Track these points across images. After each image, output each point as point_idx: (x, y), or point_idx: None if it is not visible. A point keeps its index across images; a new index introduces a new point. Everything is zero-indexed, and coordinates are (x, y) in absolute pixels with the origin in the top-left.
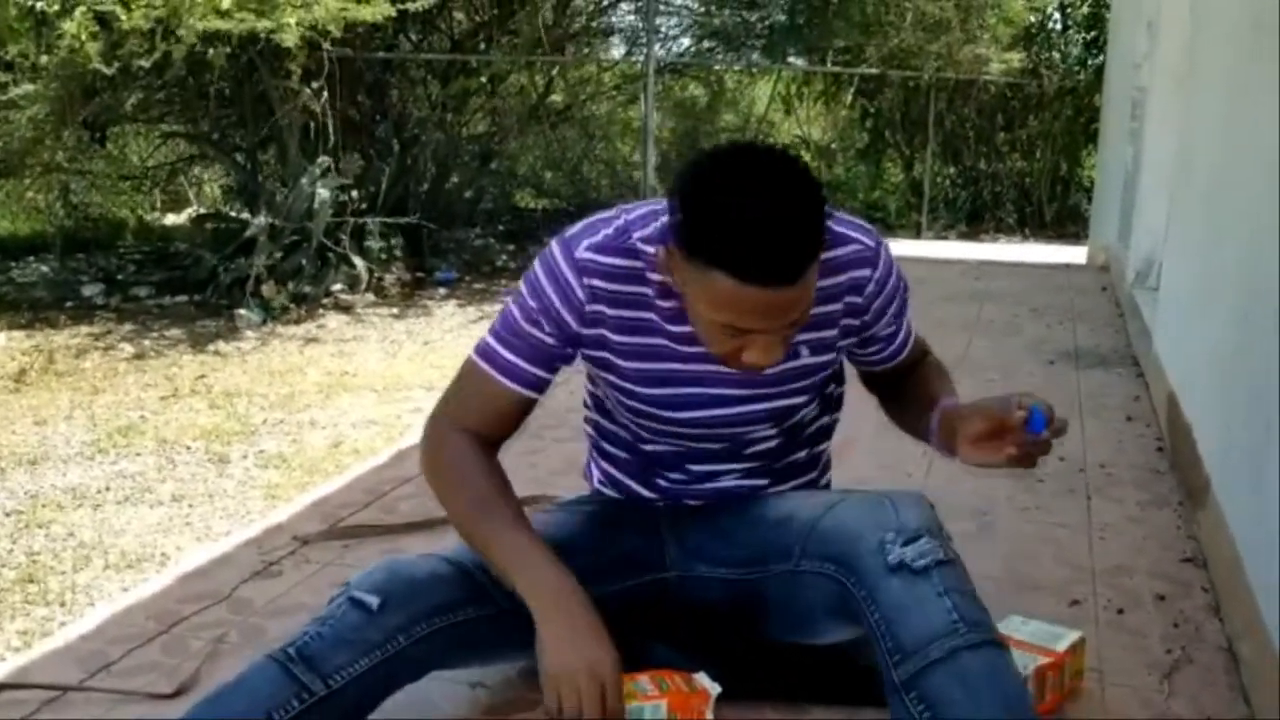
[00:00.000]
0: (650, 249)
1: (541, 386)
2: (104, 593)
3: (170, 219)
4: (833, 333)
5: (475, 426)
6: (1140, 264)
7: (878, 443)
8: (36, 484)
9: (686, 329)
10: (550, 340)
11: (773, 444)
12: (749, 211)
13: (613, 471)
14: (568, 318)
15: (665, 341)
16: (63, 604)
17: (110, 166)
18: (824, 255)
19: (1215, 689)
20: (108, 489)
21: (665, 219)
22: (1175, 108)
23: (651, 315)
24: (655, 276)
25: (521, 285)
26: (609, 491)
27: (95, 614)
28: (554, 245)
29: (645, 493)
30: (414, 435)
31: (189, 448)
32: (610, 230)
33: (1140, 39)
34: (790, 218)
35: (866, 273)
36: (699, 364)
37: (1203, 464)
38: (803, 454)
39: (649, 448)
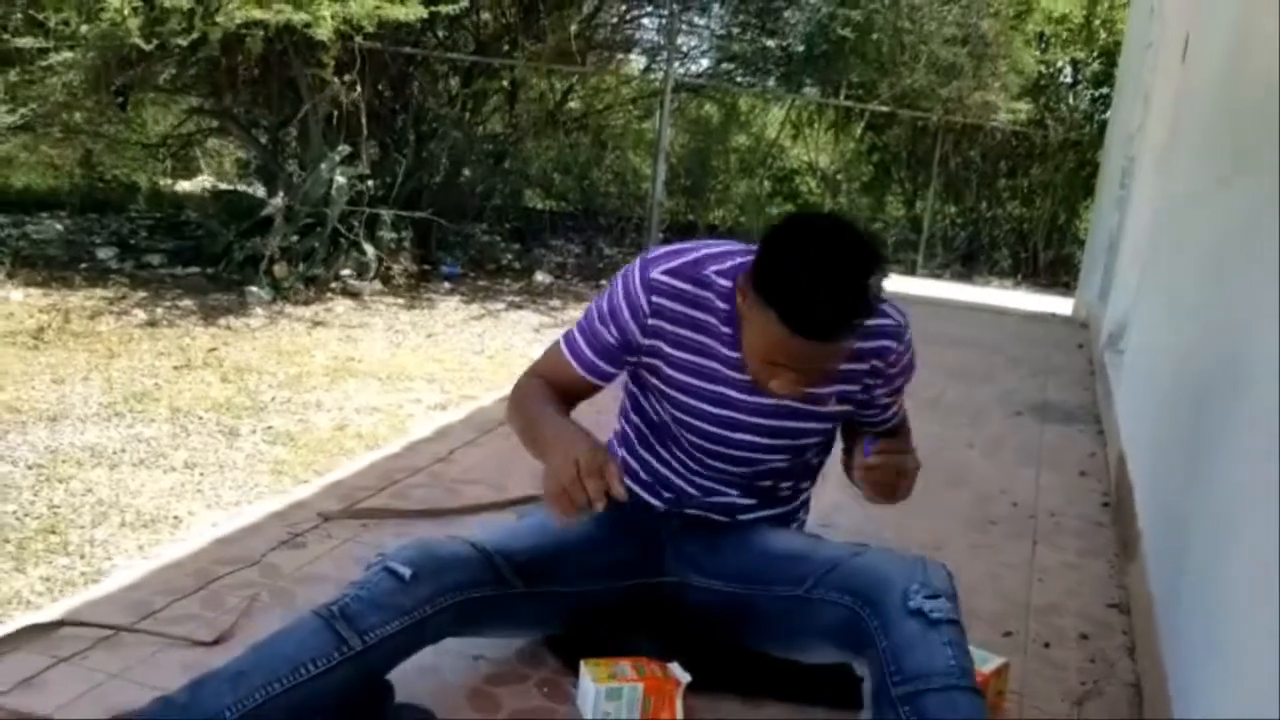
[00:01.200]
0: (723, 281)
1: (602, 375)
2: (120, 548)
3: (182, 186)
4: (857, 388)
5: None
6: (1114, 326)
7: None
8: (56, 440)
9: (739, 355)
10: (613, 341)
11: (778, 476)
12: (810, 271)
13: (639, 471)
14: (632, 326)
15: (718, 365)
16: (82, 556)
17: (129, 132)
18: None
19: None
20: (124, 451)
21: (741, 259)
22: (1152, 185)
23: (710, 340)
24: (723, 305)
25: (606, 290)
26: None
27: (138, 567)
28: (636, 262)
29: (650, 500)
30: (420, 428)
31: (201, 418)
32: (689, 259)
33: (1136, 110)
34: (843, 288)
35: (893, 344)
36: (741, 392)
37: (1137, 521)
38: (787, 487)
39: (670, 457)
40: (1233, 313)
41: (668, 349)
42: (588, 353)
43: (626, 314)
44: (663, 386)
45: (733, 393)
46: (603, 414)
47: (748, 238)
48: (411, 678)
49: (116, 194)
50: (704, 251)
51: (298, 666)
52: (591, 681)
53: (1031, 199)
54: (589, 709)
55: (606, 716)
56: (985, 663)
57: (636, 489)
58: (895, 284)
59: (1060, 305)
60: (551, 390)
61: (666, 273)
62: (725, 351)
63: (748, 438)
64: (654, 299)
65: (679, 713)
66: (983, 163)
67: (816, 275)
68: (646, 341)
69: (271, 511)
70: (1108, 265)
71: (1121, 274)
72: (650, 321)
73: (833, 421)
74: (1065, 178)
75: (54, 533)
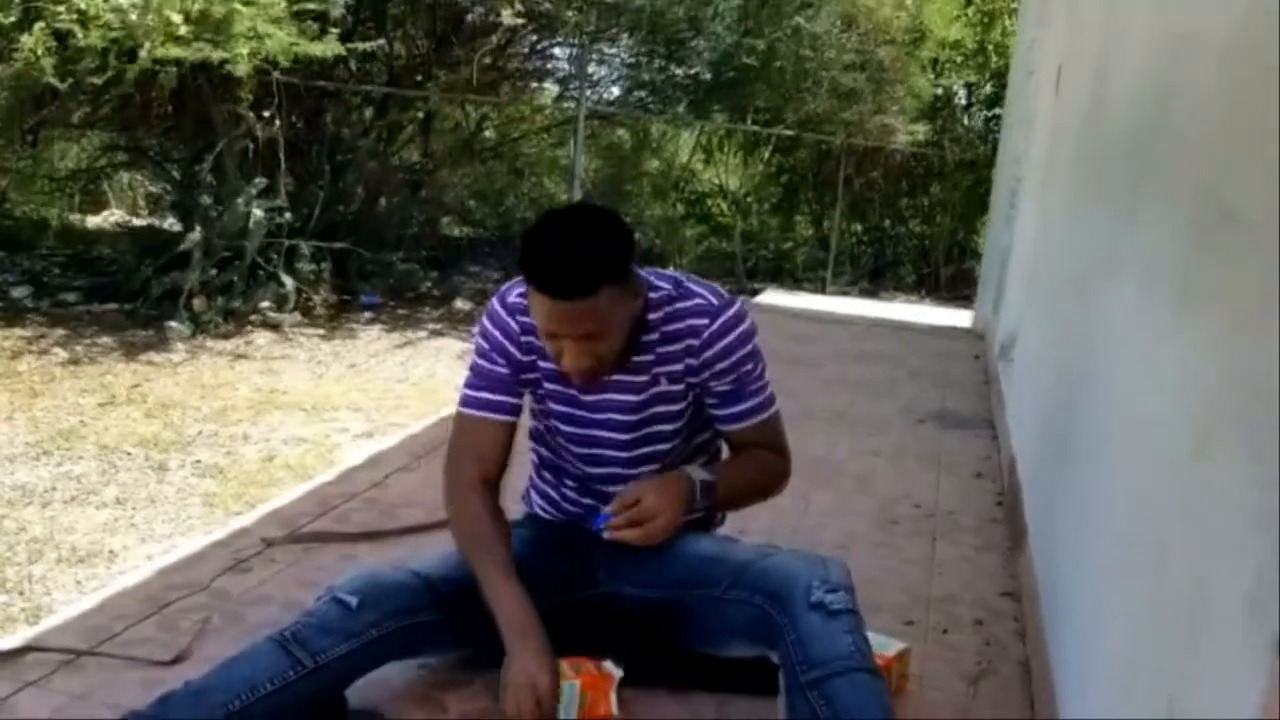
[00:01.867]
0: None
1: (513, 411)
2: (58, 584)
3: (91, 221)
4: (679, 367)
5: (475, 469)
6: (1005, 337)
7: None
8: None
9: None
10: (505, 370)
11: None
12: (546, 238)
13: (549, 493)
14: (511, 349)
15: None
16: (20, 592)
17: (36, 167)
18: (672, 306)
19: (1010, 695)
20: (54, 489)
21: None
22: (1035, 205)
23: None
24: None
25: (475, 340)
26: (544, 513)
27: (92, 596)
28: (493, 299)
29: (577, 516)
30: (352, 454)
31: (129, 454)
32: None
33: (1021, 134)
34: (568, 246)
35: (704, 322)
36: (589, 394)
37: (1025, 515)
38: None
39: (570, 479)
40: (1090, 325)
41: (541, 363)
42: (488, 396)
43: (501, 339)
44: (548, 402)
45: (579, 394)
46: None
47: (663, 261)
48: (361, 687)
49: (25, 230)
50: None
51: (255, 685)
52: None
53: (932, 217)
54: None
55: None
56: (887, 648)
57: (555, 513)
58: (804, 301)
59: (961, 318)
60: (487, 503)
61: (518, 295)
62: None
63: (608, 435)
64: (518, 318)
65: (614, 707)
66: (885, 183)
67: (547, 237)
68: (527, 358)
69: (215, 540)
70: (1000, 280)
71: (1011, 288)
72: (523, 339)
73: (677, 405)
74: (963, 195)
75: None
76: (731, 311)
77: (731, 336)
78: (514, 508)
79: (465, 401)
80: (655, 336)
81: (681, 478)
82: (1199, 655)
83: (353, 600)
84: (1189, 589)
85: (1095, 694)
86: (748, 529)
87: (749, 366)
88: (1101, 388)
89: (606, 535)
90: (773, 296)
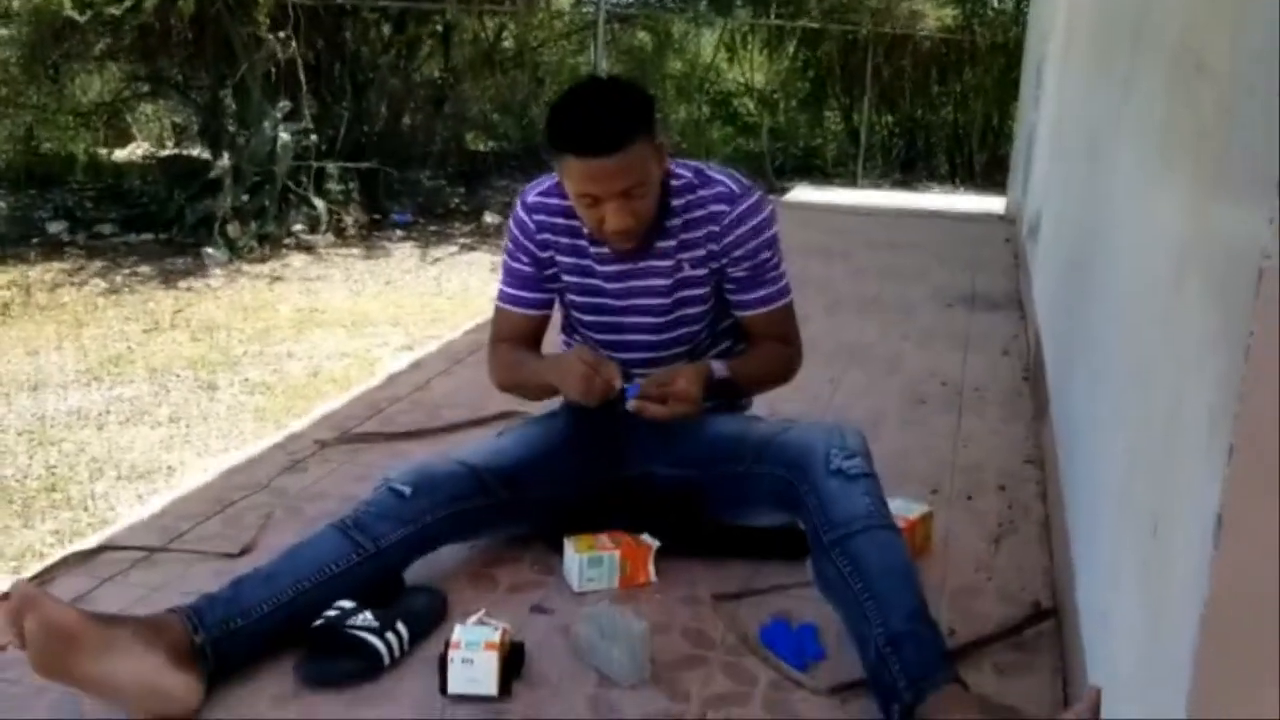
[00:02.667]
0: None
1: (540, 304)
2: (120, 499)
3: (118, 154)
4: (701, 253)
5: (510, 348)
6: (1032, 218)
7: None
8: (40, 407)
9: (603, 250)
10: (529, 267)
11: (688, 359)
12: (573, 104)
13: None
14: (530, 246)
15: (590, 262)
16: (85, 509)
17: (61, 102)
18: (694, 194)
19: (1029, 549)
20: (108, 411)
21: None
22: (1058, 82)
23: (583, 242)
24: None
25: (505, 241)
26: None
27: (159, 499)
28: (518, 198)
29: (612, 402)
30: (394, 363)
31: (178, 375)
32: (553, 180)
33: (1046, 14)
34: (605, 108)
35: (724, 208)
36: (611, 281)
37: (1048, 385)
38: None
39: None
40: (1097, 188)
41: (560, 258)
42: (518, 292)
43: (522, 238)
44: (568, 295)
45: (606, 284)
46: None
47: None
48: (417, 567)
49: (54, 166)
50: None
51: (321, 567)
52: (575, 553)
53: (965, 103)
54: (575, 577)
55: (590, 582)
56: (911, 510)
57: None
58: (835, 196)
59: (995, 204)
60: (518, 347)
61: (538, 195)
62: (594, 248)
63: (637, 321)
64: (535, 217)
65: (652, 575)
66: (914, 71)
67: (574, 104)
68: (545, 254)
69: (272, 443)
70: (1027, 161)
71: (1037, 167)
72: (539, 236)
73: (702, 289)
74: (995, 80)
75: (55, 490)
76: (751, 200)
77: (751, 223)
78: (550, 401)
79: (500, 296)
80: (678, 223)
81: (704, 369)
82: (1174, 473)
83: (406, 489)
84: (1167, 410)
85: (1101, 535)
86: (778, 410)
87: (766, 254)
88: (1107, 247)
89: (631, 406)
90: (802, 193)
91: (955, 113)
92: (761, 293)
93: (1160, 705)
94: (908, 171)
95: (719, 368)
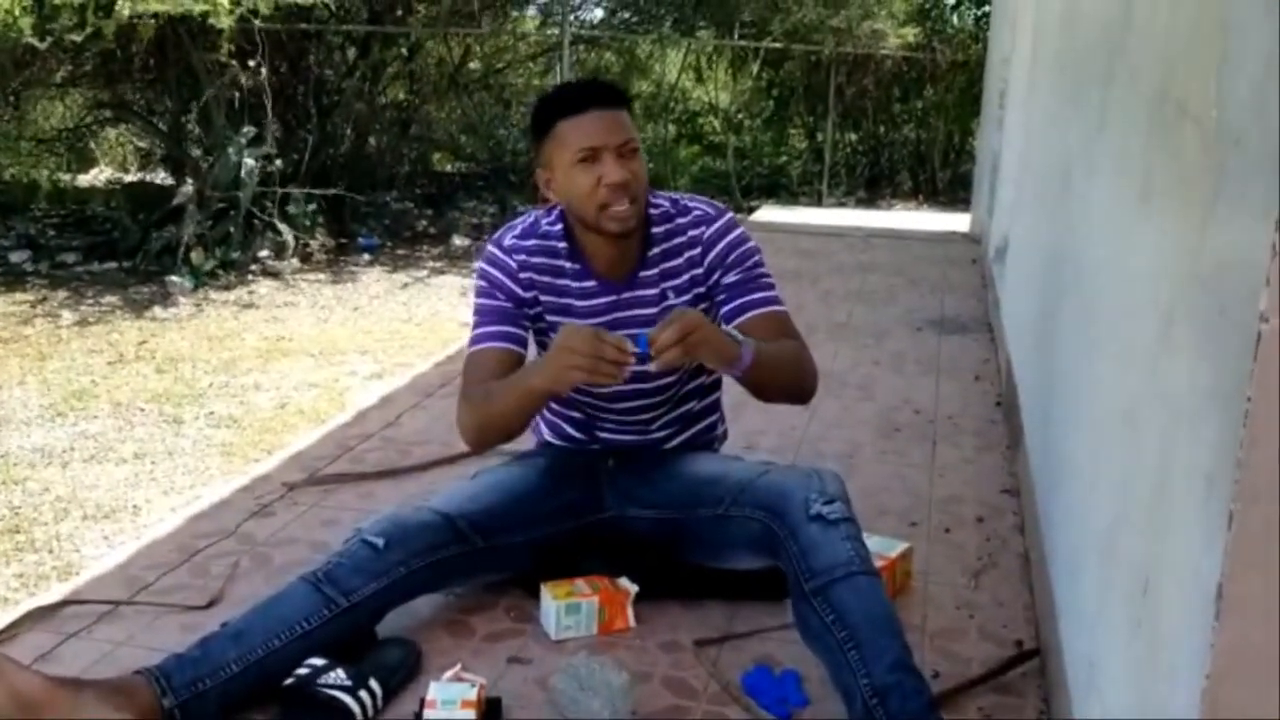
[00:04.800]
0: (555, 225)
1: (518, 340)
2: (86, 540)
3: (81, 180)
4: (684, 279)
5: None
6: (999, 240)
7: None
8: (4, 445)
9: (588, 285)
10: (507, 303)
11: (668, 393)
12: (563, 85)
13: (560, 425)
14: (511, 285)
15: (572, 300)
16: (50, 551)
17: (21, 128)
18: (672, 223)
19: (1010, 584)
20: (72, 449)
21: (560, 208)
22: (1023, 106)
23: (564, 280)
24: (561, 244)
25: (475, 285)
26: (556, 441)
27: (124, 549)
28: (488, 246)
29: (587, 441)
30: (364, 396)
31: (142, 410)
32: (525, 224)
33: (1007, 36)
34: (592, 79)
35: (702, 230)
36: (601, 316)
37: (1022, 414)
38: (695, 403)
39: (580, 411)
40: (1072, 221)
41: (542, 296)
42: (492, 329)
43: (502, 278)
44: (551, 335)
45: (590, 320)
46: None
47: (658, 184)
48: (391, 617)
49: (17, 194)
50: (533, 215)
51: (292, 625)
52: (552, 600)
53: (926, 121)
54: (552, 625)
55: (568, 629)
56: (891, 549)
57: (565, 441)
58: (801, 216)
59: (959, 222)
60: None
61: (514, 237)
62: (576, 284)
63: None
64: (515, 257)
65: (630, 620)
66: (877, 89)
67: (563, 85)
68: (528, 294)
69: (238, 486)
70: (992, 183)
71: (1003, 190)
72: (522, 275)
73: None
74: (957, 98)
75: (19, 532)
76: (729, 216)
77: (732, 235)
78: (524, 440)
79: (474, 341)
80: (657, 253)
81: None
82: (1166, 533)
83: (380, 541)
84: (1157, 466)
85: (1085, 577)
86: (755, 444)
87: (753, 261)
88: (1083, 282)
89: (655, 367)
90: (769, 213)
91: (917, 130)
92: (759, 295)
93: None
94: (872, 189)
95: (734, 331)
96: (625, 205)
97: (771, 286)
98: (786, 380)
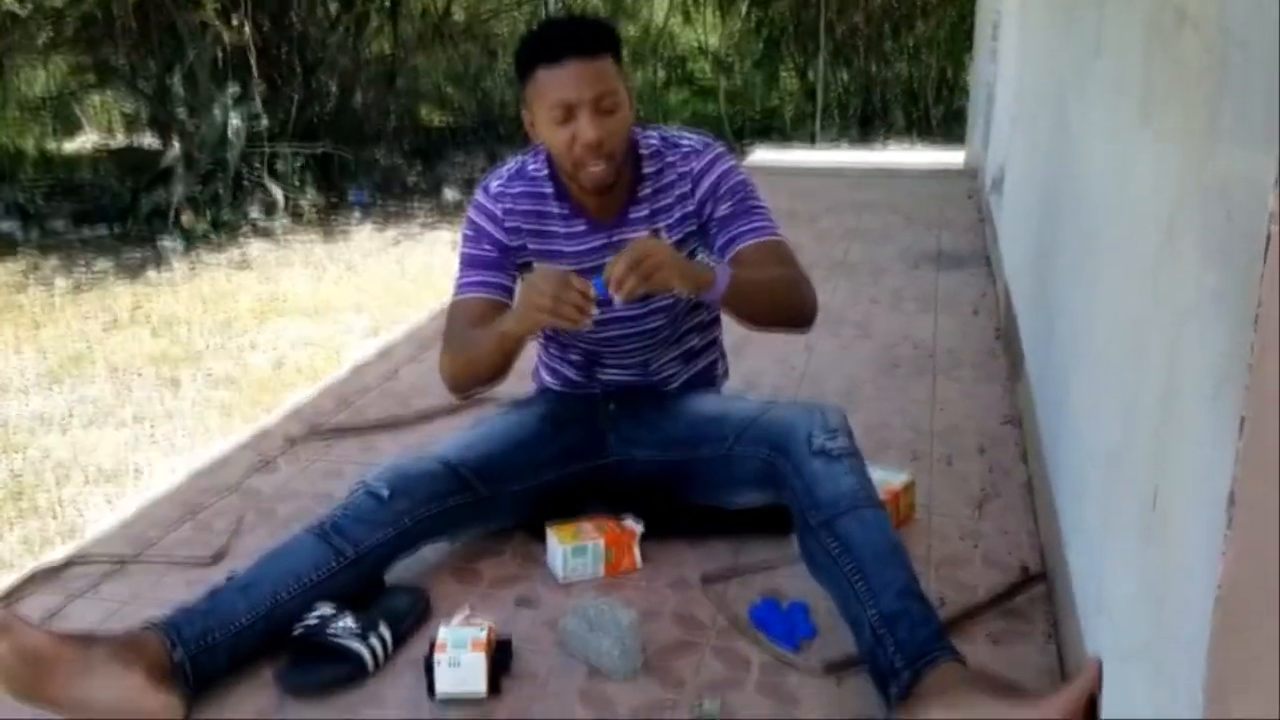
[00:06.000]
0: (541, 167)
1: (501, 288)
2: (88, 504)
3: (68, 147)
4: (676, 215)
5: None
6: (995, 172)
7: (767, 340)
8: (3, 413)
9: (577, 227)
10: (492, 251)
11: (664, 331)
12: (547, 23)
13: (558, 367)
14: (495, 233)
15: (561, 243)
16: (54, 515)
17: (5, 96)
18: (662, 160)
19: (1013, 512)
20: (71, 414)
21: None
22: (1017, 36)
23: (552, 224)
24: (548, 187)
25: (462, 230)
26: (556, 386)
27: (127, 505)
28: (476, 191)
29: (587, 384)
30: (360, 351)
31: (140, 373)
32: (511, 168)
33: None
34: (573, 21)
35: (692, 164)
36: (589, 259)
37: (1022, 344)
38: (696, 340)
39: (580, 354)
40: (1069, 140)
41: (531, 243)
42: (476, 278)
43: (488, 225)
44: None
45: (579, 264)
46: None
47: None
48: (398, 565)
49: (3, 162)
50: (521, 159)
51: (301, 576)
52: (558, 543)
53: (918, 56)
54: (559, 568)
55: (575, 571)
56: (895, 480)
57: (564, 385)
58: (794, 157)
59: (954, 158)
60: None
61: (500, 183)
62: (565, 227)
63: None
64: (501, 203)
65: (637, 560)
66: (867, 26)
67: (548, 23)
68: (514, 241)
69: (240, 442)
70: (987, 115)
71: (998, 121)
72: (508, 222)
73: (680, 251)
74: (949, 32)
75: (21, 497)
76: (720, 149)
77: (722, 167)
78: (523, 387)
79: (458, 289)
80: (649, 190)
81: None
82: (1175, 444)
83: (384, 491)
84: (1163, 380)
85: (1090, 499)
86: (756, 383)
87: (746, 191)
88: (1081, 206)
89: (612, 295)
90: (763, 155)
91: (910, 66)
92: (753, 224)
93: (1172, 681)
94: (865, 128)
95: (722, 268)
96: (600, 166)
97: (765, 215)
98: (775, 305)
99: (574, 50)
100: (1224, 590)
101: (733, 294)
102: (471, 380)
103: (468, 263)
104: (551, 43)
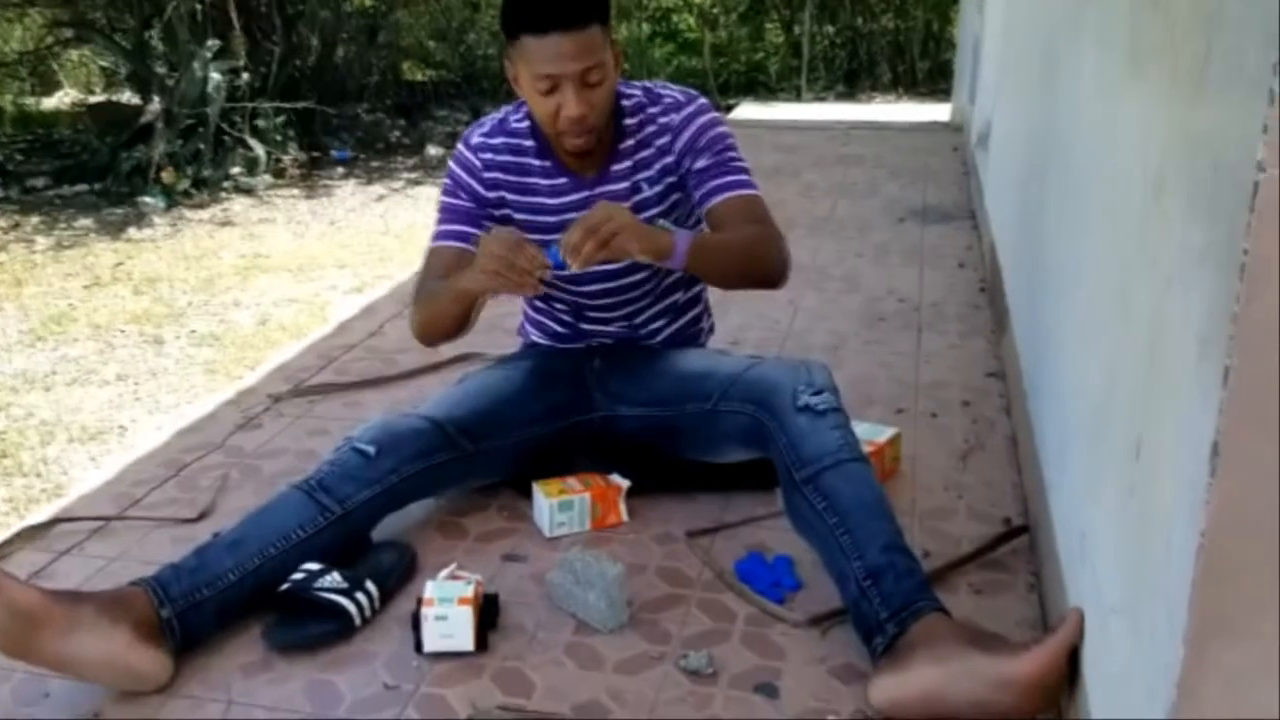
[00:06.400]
0: (523, 122)
1: (474, 240)
2: (73, 462)
3: (46, 104)
4: (655, 170)
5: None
6: (981, 126)
7: (752, 296)
8: None
9: (559, 181)
10: (469, 204)
11: (647, 284)
12: None
13: (543, 321)
14: (474, 185)
15: (542, 198)
16: (38, 474)
17: None
18: (644, 113)
19: (997, 465)
20: (54, 373)
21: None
22: None
23: (534, 178)
24: (530, 141)
25: (442, 181)
26: (542, 341)
27: (112, 464)
28: (458, 143)
29: (573, 338)
30: (345, 308)
31: (123, 331)
32: (494, 120)
33: None
34: None
35: (672, 117)
36: (571, 213)
37: (1007, 298)
38: (680, 295)
39: (563, 306)
40: (1055, 93)
41: (509, 195)
42: (452, 228)
43: (466, 177)
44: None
45: (559, 217)
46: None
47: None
48: (385, 521)
49: None
50: (504, 111)
51: (288, 533)
52: (544, 498)
53: (905, 10)
54: (545, 523)
55: (561, 526)
56: (879, 434)
57: (550, 340)
58: (780, 112)
59: (939, 112)
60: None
61: (481, 135)
62: (546, 181)
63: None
64: (481, 156)
65: (624, 515)
66: None
67: None
68: (493, 194)
69: (224, 400)
70: (973, 69)
71: (985, 75)
72: (486, 175)
73: (657, 208)
74: None
75: (5, 456)
76: (701, 102)
77: (701, 119)
78: (509, 343)
79: (435, 237)
80: (631, 144)
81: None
82: (1159, 395)
83: (371, 449)
84: (1149, 331)
85: (1073, 451)
86: (741, 339)
87: (725, 145)
88: (1068, 158)
89: (567, 261)
90: (748, 110)
91: (896, 20)
92: (728, 179)
93: (1153, 630)
94: (851, 82)
95: (681, 234)
96: (582, 139)
97: (743, 170)
98: (741, 266)
99: (561, 23)
100: (1206, 540)
101: (694, 259)
102: (434, 331)
103: (444, 211)
104: (538, 12)
